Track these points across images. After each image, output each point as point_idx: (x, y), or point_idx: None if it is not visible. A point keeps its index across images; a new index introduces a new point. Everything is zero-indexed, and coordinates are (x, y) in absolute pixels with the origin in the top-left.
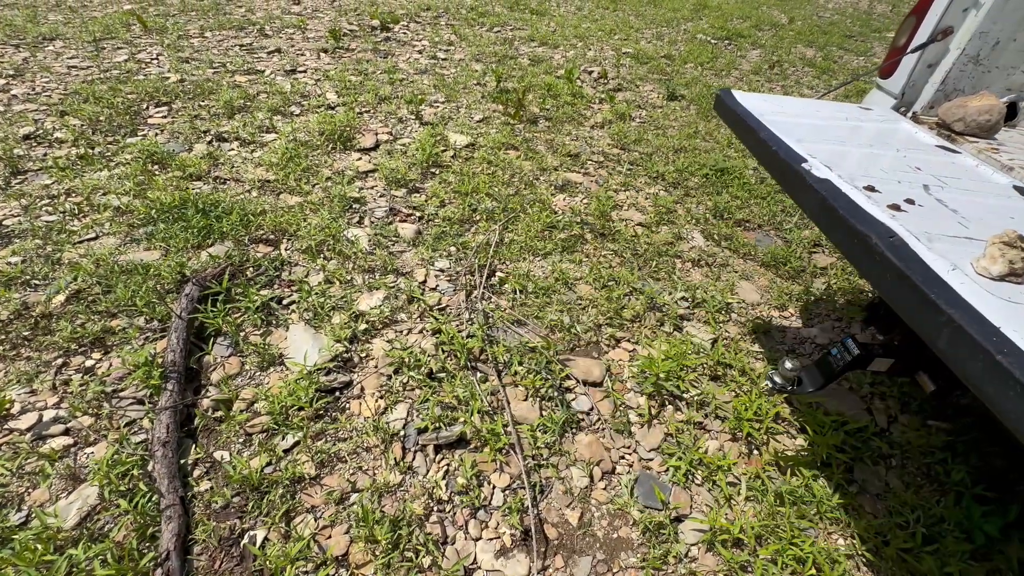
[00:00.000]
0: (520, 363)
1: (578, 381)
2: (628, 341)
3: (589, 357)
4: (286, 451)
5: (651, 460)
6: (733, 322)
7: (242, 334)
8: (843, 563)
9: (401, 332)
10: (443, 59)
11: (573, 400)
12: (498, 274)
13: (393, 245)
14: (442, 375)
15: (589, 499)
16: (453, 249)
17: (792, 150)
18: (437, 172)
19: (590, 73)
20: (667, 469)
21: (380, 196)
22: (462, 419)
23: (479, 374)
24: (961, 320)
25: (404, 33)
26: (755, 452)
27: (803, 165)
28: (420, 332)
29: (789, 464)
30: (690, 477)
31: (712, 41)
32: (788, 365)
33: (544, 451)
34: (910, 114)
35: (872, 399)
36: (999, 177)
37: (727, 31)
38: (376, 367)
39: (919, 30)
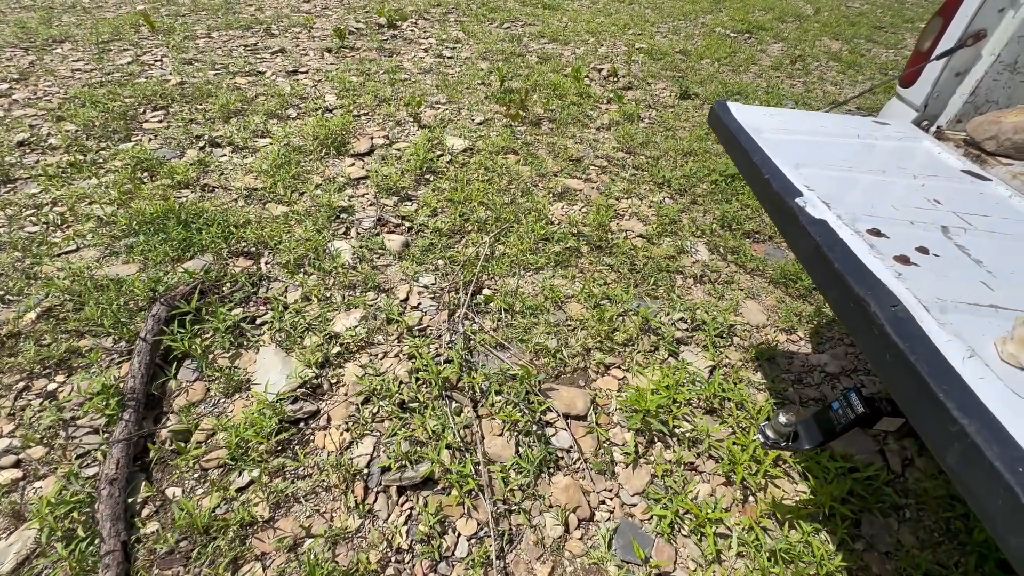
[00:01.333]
0: (498, 392)
1: (559, 415)
2: (618, 368)
3: (574, 386)
4: (240, 490)
5: (634, 506)
6: (735, 347)
7: (210, 357)
8: None
9: (376, 356)
10: (449, 58)
11: (553, 435)
12: (484, 291)
13: (378, 259)
14: (415, 405)
15: (562, 551)
16: (440, 263)
17: (786, 180)
18: (431, 179)
19: (600, 71)
20: (651, 517)
21: (370, 205)
22: (430, 456)
23: (454, 404)
24: (976, 436)
25: (412, 31)
26: (751, 499)
27: (797, 200)
28: (396, 356)
29: (788, 516)
30: (676, 527)
31: (731, 35)
32: (783, 419)
33: (517, 494)
34: (934, 129)
35: (886, 438)
36: None
37: (748, 23)
38: (346, 395)
39: (946, 33)
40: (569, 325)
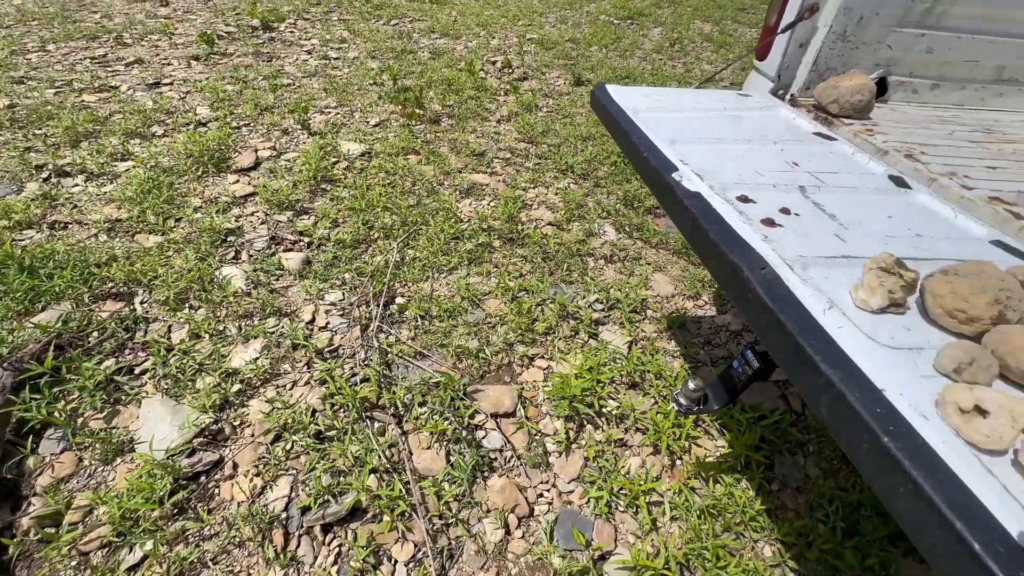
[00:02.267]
0: (422, 403)
1: (488, 416)
2: (542, 358)
3: (500, 383)
4: (133, 568)
5: (571, 493)
6: (649, 319)
7: (78, 421)
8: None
9: (284, 387)
10: (335, 59)
11: (484, 438)
12: (398, 300)
13: (276, 281)
14: (332, 433)
15: (505, 554)
16: (347, 276)
17: (663, 156)
18: (328, 188)
19: (494, 63)
20: (588, 501)
21: (261, 223)
22: (355, 485)
23: (376, 424)
24: (841, 384)
25: (291, 32)
26: (677, 463)
27: (674, 176)
28: (307, 384)
29: (711, 472)
30: (613, 505)
31: (615, 22)
32: (691, 385)
33: (453, 506)
34: (788, 97)
35: (786, 384)
36: (875, 166)
37: (629, 10)
38: (253, 436)
39: (787, 8)
40: (489, 322)
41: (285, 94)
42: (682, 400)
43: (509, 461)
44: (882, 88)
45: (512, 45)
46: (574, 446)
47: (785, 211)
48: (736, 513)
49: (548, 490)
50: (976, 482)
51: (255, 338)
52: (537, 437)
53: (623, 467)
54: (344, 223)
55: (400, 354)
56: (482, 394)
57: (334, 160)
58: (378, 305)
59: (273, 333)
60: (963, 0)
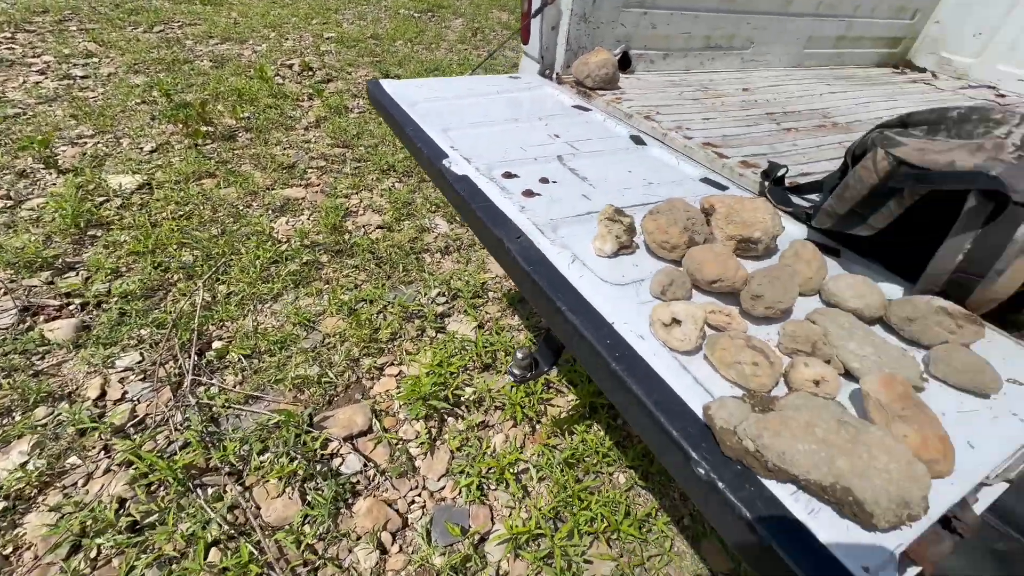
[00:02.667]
0: (263, 451)
1: (341, 440)
2: (392, 365)
3: (351, 403)
4: None
5: (442, 489)
6: (491, 301)
7: None
8: (624, 499)
9: (75, 485)
10: (83, 77)
11: (341, 464)
12: (215, 344)
13: (39, 360)
14: (152, 518)
15: (384, 574)
16: (143, 333)
17: (434, 144)
18: (99, 234)
19: (290, 66)
20: (459, 491)
21: (3, 294)
22: (192, 568)
23: (210, 490)
24: (582, 326)
25: (8, 49)
26: (537, 428)
27: (444, 162)
28: (107, 472)
29: (565, 427)
30: (484, 487)
31: (415, 15)
32: (519, 355)
33: (318, 547)
34: (554, 76)
35: None
36: (621, 129)
37: (428, 3)
38: (36, 558)
39: None
40: (328, 343)
41: (14, 127)
42: (515, 371)
43: (373, 479)
44: (627, 61)
45: (308, 46)
46: (438, 443)
47: (544, 180)
48: (591, 455)
49: (419, 494)
50: (676, 381)
51: (18, 438)
52: (399, 446)
53: (488, 447)
54: (128, 272)
55: (227, 404)
56: (332, 419)
57: (101, 199)
58: (189, 356)
59: (45, 425)
60: None
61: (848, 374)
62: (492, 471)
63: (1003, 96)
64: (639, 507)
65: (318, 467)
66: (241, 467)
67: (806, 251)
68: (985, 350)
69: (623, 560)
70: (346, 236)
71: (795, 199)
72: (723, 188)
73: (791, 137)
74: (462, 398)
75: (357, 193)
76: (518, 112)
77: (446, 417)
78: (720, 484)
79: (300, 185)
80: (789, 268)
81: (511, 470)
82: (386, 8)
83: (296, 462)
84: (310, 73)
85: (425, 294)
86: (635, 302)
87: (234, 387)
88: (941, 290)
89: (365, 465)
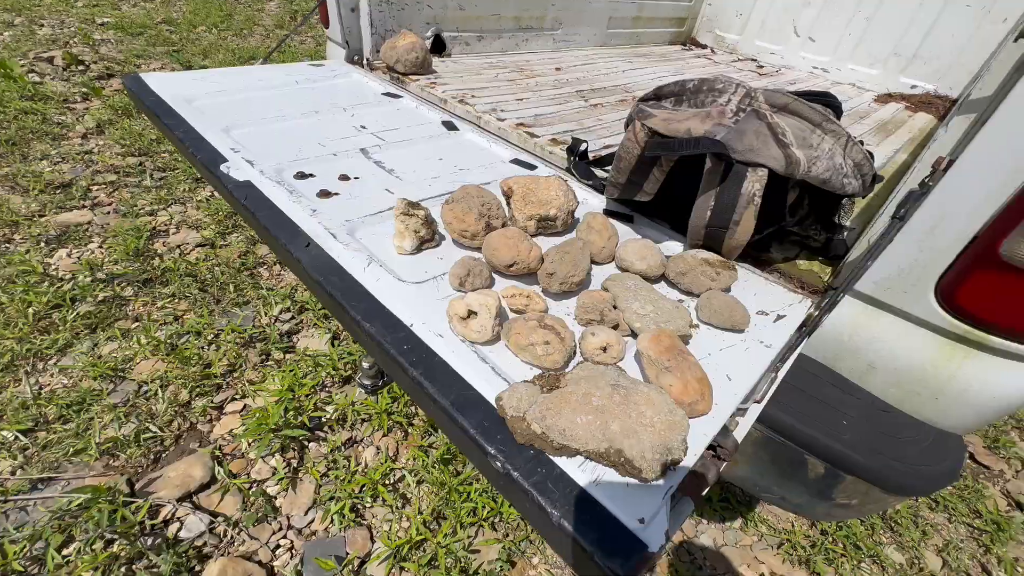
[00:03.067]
0: (64, 544)
1: (174, 502)
2: (234, 400)
3: (184, 455)
4: None
5: (311, 523)
6: None
7: None
8: None
9: None
10: None
11: (179, 530)
12: None
13: None
14: None
15: None
16: None
17: (210, 148)
18: None
19: (50, 60)
20: (331, 519)
21: None
22: None
23: None
24: (378, 334)
25: None
26: (409, 432)
27: (222, 167)
28: None
29: (433, 424)
30: (358, 507)
31: None
32: (366, 365)
33: None
34: (365, 62)
35: None
36: (433, 115)
37: None
38: None
39: None
40: (145, 392)
41: None
42: (365, 381)
43: (225, 536)
44: (441, 44)
45: (74, 33)
46: (300, 474)
47: (344, 177)
48: None
49: (284, 536)
50: (474, 375)
51: None
52: (252, 489)
53: (358, 465)
54: None
55: (3, 497)
56: (160, 481)
57: None
58: None
59: None
60: None
61: (635, 335)
62: (365, 488)
63: (762, 67)
64: None
65: (148, 541)
66: (36, 571)
67: (596, 222)
68: (743, 289)
69: (508, 539)
70: (155, 261)
71: (598, 172)
72: (532, 167)
73: (597, 112)
74: (323, 419)
75: (165, 208)
76: (320, 103)
77: (307, 444)
78: (515, 474)
79: (83, 207)
80: (580, 241)
81: (385, 482)
82: None
83: (116, 544)
84: (80, 68)
85: (266, 313)
86: (436, 298)
87: (13, 474)
88: (705, 243)
89: (212, 522)
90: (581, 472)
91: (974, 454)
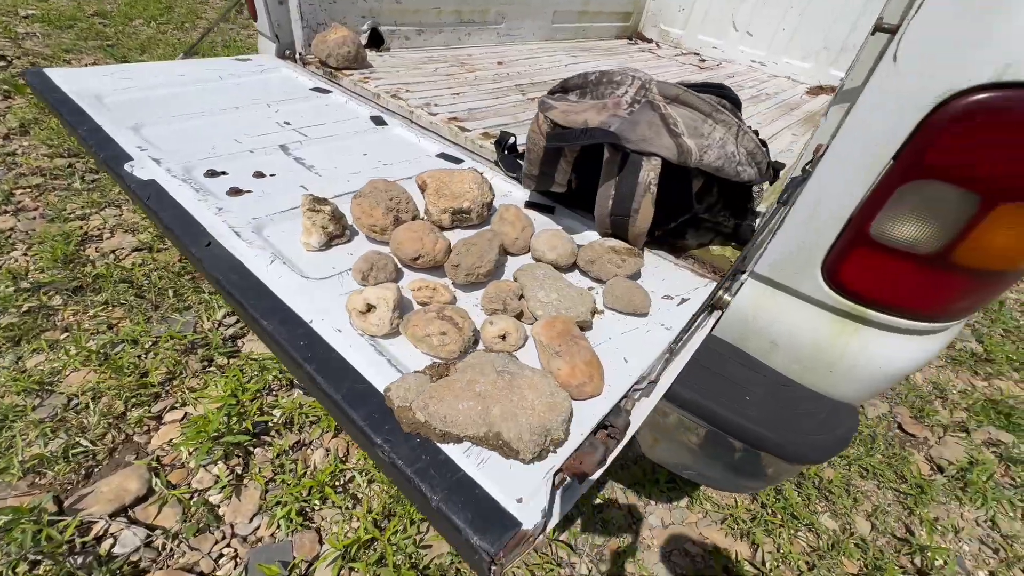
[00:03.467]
0: None
1: (106, 517)
2: (174, 408)
3: (119, 468)
4: None
5: (257, 529)
6: None
7: None
8: None
9: None
10: None
11: (113, 546)
12: None
13: None
14: None
15: None
16: None
17: (115, 147)
18: None
19: None
20: (277, 525)
21: None
22: None
23: None
24: (274, 331)
25: None
26: None
27: (126, 167)
28: None
29: None
30: (307, 510)
31: None
32: None
33: None
34: (297, 56)
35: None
36: (363, 110)
37: None
38: None
39: None
40: (75, 405)
41: None
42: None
43: (164, 548)
44: (379, 38)
45: None
46: (245, 480)
47: (260, 175)
48: None
49: (227, 545)
50: (370, 368)
51: None
52: (193, 499)
53: (307, 468)
54: None
55: None
56: (91, 496)
57: None
58: None
59: None
60: None
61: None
62: (313, 491)
63: (704, 61)
64: None
65: (78, 560)
66: None
67: (509, 213)
68: (652, 275)
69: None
70: (87, 268)
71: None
72: (459, 161)
73: (534, 106)
74: (269, 423)
75: (98, 212)
76: (241, 99)
77: (252, 450)
78: (398, 462)
79: (5, 212)
80: (489, 233)
81: (334, 483)
82: None
83: (42, 565)
84: (1, 63)
85: (208, 318)
86: (340, 293)
87: None
88: (612, 232)
89: (149, 536)
90: (466, 457)
91: (902, 424)
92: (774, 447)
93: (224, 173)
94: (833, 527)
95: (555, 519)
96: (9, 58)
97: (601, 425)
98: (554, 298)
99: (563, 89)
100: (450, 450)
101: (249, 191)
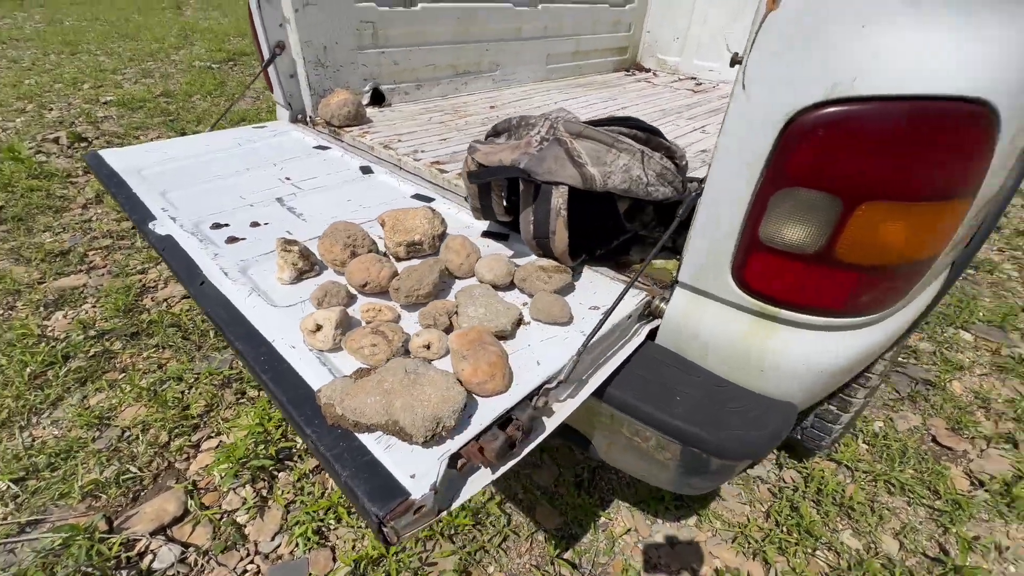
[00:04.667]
0: None
1: (147, 535)
2: (210, 438)
3: (161, 492)
4: None
5: (277, 547)
6: None
7: None
8: None
9: None
10: None
11: (152, 561)
12: None
13: None
14: None
15: None
16: None
17: (143, 209)
18: None
19: (55, 140)
20: (296, 544)
21: None
22: None
23: None
24: (242, 348)
25: None
26: None
27: (149, 225)
28: None
29: None
30: (323, 528)
31: (213, 66)
32: None
33: None
34: (308, 120)
35: None
36: (355, 162)
37: (227, 52)
38: None
39: (261, 48)
40: (128, 436)
41: None
42: None
43: (196, 564)
44: (381, 96)
45: (79, 114)
46: (269, 503)
47: (255, 224)
48: None
49: (251, 562)
50: (314, 376)
51: None
52: (223, 519)
53: (324, 489)
54: None
55: None
56: (136, 517)
57: None
58: None
59: None
60: (393, 26)
61: None
62: (329, 512)
63: (700, 84)
64: (476, 497)
65: (123, 573)
66: None
67: (454, 243)
68: (586, 288)
69: (464, 550)
70: (143, 316)
71: None
72: (430, 200)
73: None
74: (292, 449)
75: (155, 266)
76: (253, 161)
77: (276, 473)
78: (321, 448)
79: (80, 271)
80: (432, 260)
81: (345, 502)
82: (176, 63)
83: None
84: (83, 144)
85: None
86: (300, 317)
87: (4, 519)
88: (543, 252)
89: (183, 552)
90: (376, 443)
91: (936, 436)
92: (695, 441)
93: (226, 225)
94: (856, 546)
95: (461, 499)
96: (90, 139)
97: (507, 419)
98: (481, 312)
99: (495, 133)
100: (364, 438)
101: (244, 238)
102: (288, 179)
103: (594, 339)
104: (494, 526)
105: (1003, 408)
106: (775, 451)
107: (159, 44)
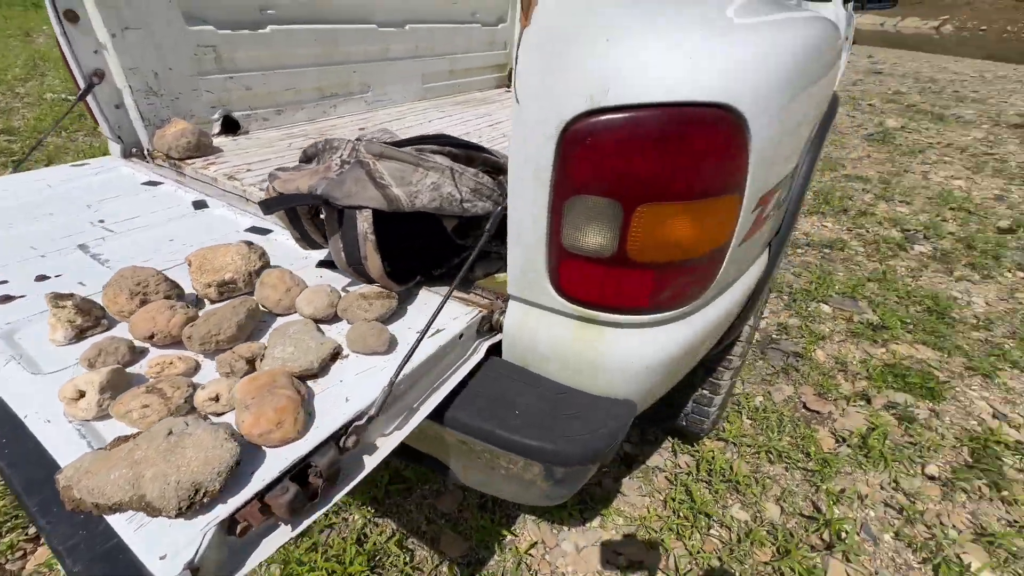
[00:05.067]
0: None
1: None
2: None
3: None
4: None
5: None
6: None
7: None
8: (354, 537)
9: None
10: None
11: None
12: None
13: None
14: None
15: None
16: None
17: None
18: None
19: None
20: None
21: None
22: None
23: None
24: None
25: None
26: None
27: None
28: None
29: None
30: None
31: (69, 98)
32: None
33: None
34: (146, 154)
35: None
36: (188, 196)
37: None
38: None
39: (77, 79)
40: None
41: None
42: None
43: None
44: (235, 123)
45: None
46: None
47: (42, 278)
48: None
49: None
50: (66, 453)
51: None
52: None
53: None
54: None
55: None
56: None
57: None
58: None
59: None
60: (240, 49)
61: None
62: None
63: None
64: (374, 538)
65: None
66: None
67: (270, 278)
68: (419, 311)
69: None
70: None
71: None
72: (268, 232)
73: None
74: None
75: None
76: (60, 206)
77: None
78: (53, 542)
79: None
80: (238, 300)
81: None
82: (22, 96)
83: None
84: None
85: None
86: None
87: None
88: (363, 279)
89: None
90: (127, 524)
91: (806, 403)
92: (536, 453)
93: (5, 281)
94: (744, 518)
95: (248, 567)
96: None
97: (304, 467)
98: (290, 352)
99: (306, 158)
100: (114, 520)
101: (22, 296)
102: (101, 222)
103: (414, 365)
104: (395, 566)
105: (858, 369)
106: (668, 439)
107: (0, 75)
